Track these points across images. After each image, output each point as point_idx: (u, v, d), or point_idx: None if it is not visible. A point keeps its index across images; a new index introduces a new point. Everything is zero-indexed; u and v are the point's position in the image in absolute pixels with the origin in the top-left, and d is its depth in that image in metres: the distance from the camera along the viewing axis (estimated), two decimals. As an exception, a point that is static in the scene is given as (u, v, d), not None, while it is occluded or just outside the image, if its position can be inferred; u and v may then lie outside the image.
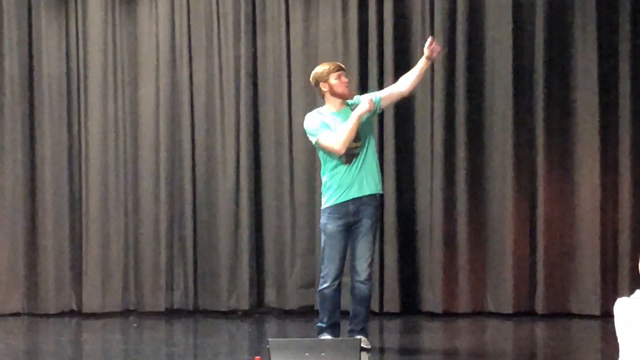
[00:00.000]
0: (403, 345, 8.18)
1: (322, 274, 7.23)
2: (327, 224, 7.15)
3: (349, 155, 7.09)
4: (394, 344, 8.22)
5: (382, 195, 7.35)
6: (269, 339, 6.64)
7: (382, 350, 7.82)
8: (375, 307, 8.95)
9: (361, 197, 7.12)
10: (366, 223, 7.14)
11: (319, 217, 7.33)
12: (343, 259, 7.19)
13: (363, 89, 8.93)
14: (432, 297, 8.92)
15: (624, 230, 8.74)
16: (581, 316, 8.73)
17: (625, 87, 8.75)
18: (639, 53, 8.74)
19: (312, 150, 9.05)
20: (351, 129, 7.00)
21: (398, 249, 8.97)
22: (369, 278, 7.21)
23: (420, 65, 7.28)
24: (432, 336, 8.35)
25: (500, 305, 8.84)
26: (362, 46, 9.05)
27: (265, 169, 9.25)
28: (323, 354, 6.43)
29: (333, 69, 7.21)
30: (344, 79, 7.22)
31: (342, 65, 7.33)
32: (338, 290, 7.22)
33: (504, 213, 8.91)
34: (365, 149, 7.13)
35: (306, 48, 9.10)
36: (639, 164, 8.77)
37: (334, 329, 7.25)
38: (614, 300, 9.12)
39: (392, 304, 8.96)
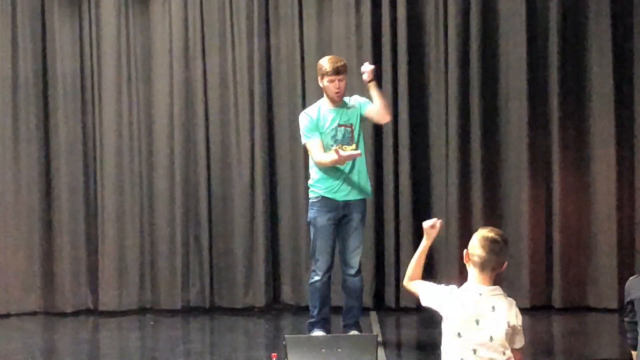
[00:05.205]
0: (420, 340, 8.16)
1: (312, 268, 7.36)
2: (317, 217, 7.28)
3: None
4: (411, 339, 8.22)
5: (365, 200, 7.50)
6: (286, 336, 6.66)
7: (399, 345, 7.82)
8: (391, 302, 8.96)
9: (349, 200, 7.26)
10: (356, 217, 7.29)
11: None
12: (333, 251, 7.32)
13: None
14: (448, 292, 8.90)
15: (640, 223, 8.74)
16: (598, 310, 8.71)
17: (640, 82, 8.76)
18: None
19: (327, 146, 9.06)
20: (332, 163, 7.13)
21: (414, 243, 8.95)
22: (360, 271, 7.38)
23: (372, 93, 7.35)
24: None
25: (517, 299, 8.61)
26: (376, 43, 9.03)
27: (280, 165, 9.23)
28: (339, 349, 6.44)
29: (329, 72, 7.23)
30: (337, 85, 7.23)
31: (341, 68, 7.28)
32: (328, 283, 7.35)
33: (520, 208, 8.89)
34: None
35: (320, 45, 9.06)
36: (656, 157, 8.77)
37: (325, 324, 7.32)
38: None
39: (409, 299, 8.94)
